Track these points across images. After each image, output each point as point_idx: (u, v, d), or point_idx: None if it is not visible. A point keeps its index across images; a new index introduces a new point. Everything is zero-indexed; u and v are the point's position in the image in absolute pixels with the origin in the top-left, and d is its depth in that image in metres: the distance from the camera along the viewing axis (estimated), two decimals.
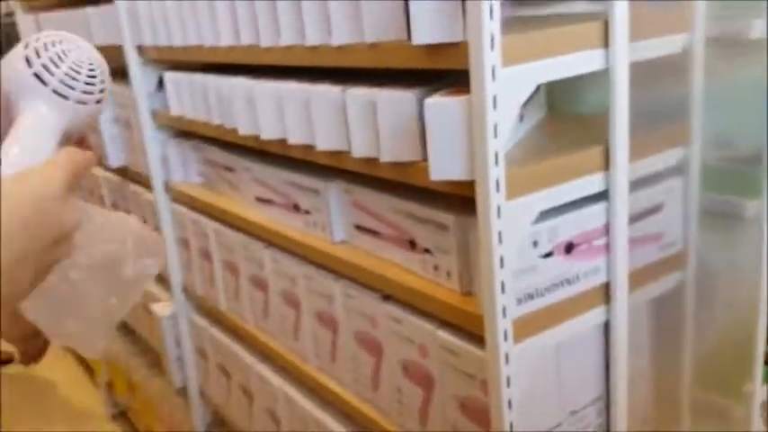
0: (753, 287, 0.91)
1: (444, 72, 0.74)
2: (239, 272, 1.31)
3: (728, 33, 0.84)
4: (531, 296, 0.75)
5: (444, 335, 0.82)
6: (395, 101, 0.77)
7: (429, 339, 0.85)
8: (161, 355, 1.74)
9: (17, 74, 0.49)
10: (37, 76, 0.49)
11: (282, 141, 1.02)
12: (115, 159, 1.65)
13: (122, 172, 1.70)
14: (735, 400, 0.99)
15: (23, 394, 2.51)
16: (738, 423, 0.98)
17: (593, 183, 0.77)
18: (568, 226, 0.76)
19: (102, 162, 1.75)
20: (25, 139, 0.49)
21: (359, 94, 0.83)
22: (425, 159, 0.78)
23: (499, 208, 0.68)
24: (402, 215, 0.88)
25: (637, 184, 0.80)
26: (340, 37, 0.83)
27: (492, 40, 0.63)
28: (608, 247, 0.80)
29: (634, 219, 0.81)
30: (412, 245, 0.88)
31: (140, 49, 1.41)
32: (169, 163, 1.48)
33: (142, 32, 1.34)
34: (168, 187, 1.50)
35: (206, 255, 1.42)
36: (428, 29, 0.68)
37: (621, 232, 0.79)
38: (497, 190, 0.67)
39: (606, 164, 0.77)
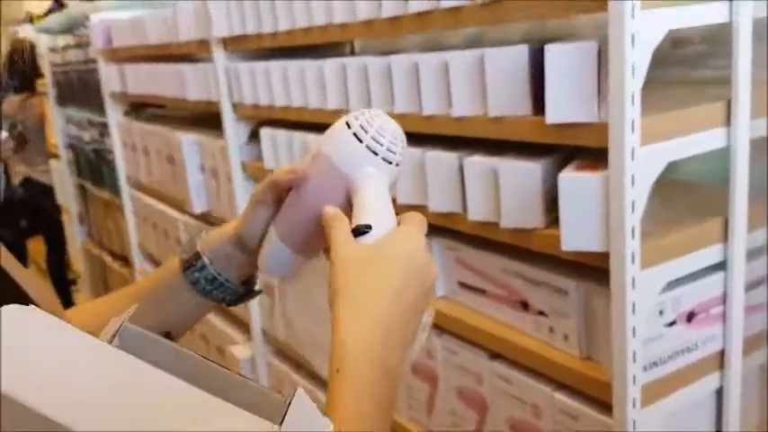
0: None
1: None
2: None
3: None
4: (655, 364, 0.77)
5: (562, 397, 0.85)
6: (519, 171, 0.82)
7: (544, 400, 0.87)
8: None
9: (350, 148, 0.56)
10: (368, 148, 0.55)
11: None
12: (198, 205, 1.72)
13: (203, 218, 1.77)
14: None
15: None
16: None
17: (713, 253, 0.80)
18: (690, 295, 0.79)
19: (183, 208, 1.82)
20: (374, 204, 0.55)
21: (479, 161, 0.87)
22: (548, 227, 0.82)
23: (633, 279, 0.71)
24: (514, 276, 0.91)
25: (750, 254, 0.83)
26: (460, 109, 0.88)
27: (632, 123, 0.67)
28: (725, 316, 0.82)
29: (748, 287, 0.83)
30: (524, 306, 0.91)
31: (235, 106, 1.48)
32: None
33: (242, 92, 1.41)
34: None
35: None
36: (564, 108, 0.73)
37: (738, 301, 0.81)
38: (632, 262, 0.70)
39: (725, 235, 0.80)
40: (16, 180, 3.54)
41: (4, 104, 3.62)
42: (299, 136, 1.29)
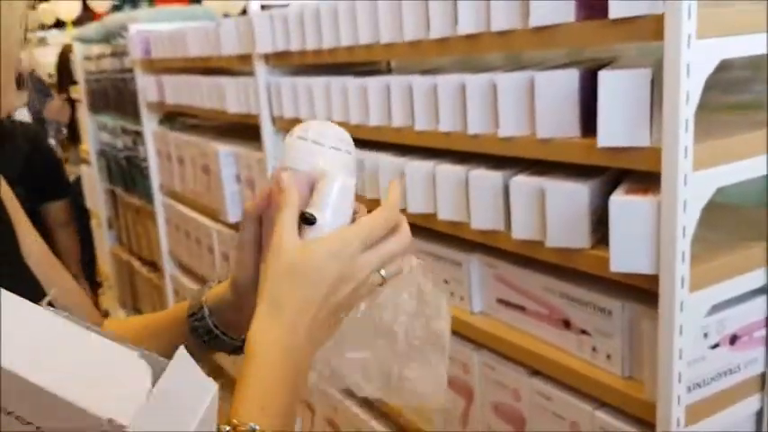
0: None
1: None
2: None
3: None
4: (698, 385, 0.79)
5: (604, 416, 0.86)
6: (567, 192, 0.84)
7: (585, 418, 0.89)
8: None
9: (299, 148, 0.61)
10: (315, 142, 0.61)
11: (430, 216, 1.09)
12: (233, 215, 1.75)
13: (237, 227, 1.80)
14: None
15: None
16: None
17: (756, 277, 0.81)
18: (734, 319, 0.80)
19: (217, 217, 1.85)
20: (326, 197, 0.58)
21: (526, 181, 0.89)
22: (593, 247, 0.84)
23: (682, 303, 0.72)
24: (556, 295, 0.93)
25: None
26: (508, 129, 0.90)
27: (686, 149, 0.69)
28: (767, 339, 0.83)
29: None
30: (566, 324, 0.92)
31: (274, 119, 1.51)
32: None
33: (282, 105, 1.44)
34: None
35: None
36: (616, 132, 0.75)
37: None
38: (682, 285, 0.72)
39: None
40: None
41: (46, 109, 3.69)
42: None
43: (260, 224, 0.63)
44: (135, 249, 2.74)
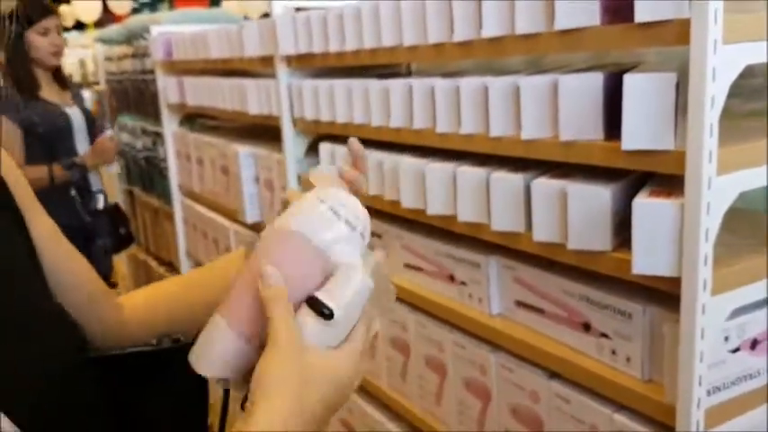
0: None
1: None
2: (377, 332, 1.38)
3: None
4: (718, 389, 0.79)
5: (623, 419, 0.86)
6: (590, 194, 0.84)
7: (603, 421, 0.89)
8: None
9: (328, 223, 0.53)
10: (348, 222, 0.53)
11: (449, 218, 1.09)
12: (251, 215, 1.77)
13: (254, 227, 1.82)
14: None
15: None
16: None
17: None
18: (755, 323, 0.80)
19: (235, 217, 1.87)
20: (347, 292, 0.52)
21: (548, 183, 0.90)
22: (615, 250, 0.84)
23: (704, 306, 0.73)
24: (576, 298, 0.93)
25: None
26: (530, 132, 0.91)
27: (710, 153, 0.70)
28: None
29: None
30: (585, 327, 0.93)
31: (295, 120, 1.53)
32: None
33: (303, 107, 1.46)
34: None
35: None
36: (641, 136, 0.75)
37: None
38: (704, 288, 0.72)
39: None
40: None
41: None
42: None
43: None
44: (152, 249, 2.77)
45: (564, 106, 0.85)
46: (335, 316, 0.50)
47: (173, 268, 2.53)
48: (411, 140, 1.17)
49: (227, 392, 0.56)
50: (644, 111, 0.74)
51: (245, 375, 0.51)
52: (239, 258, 0.69)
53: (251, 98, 1.65)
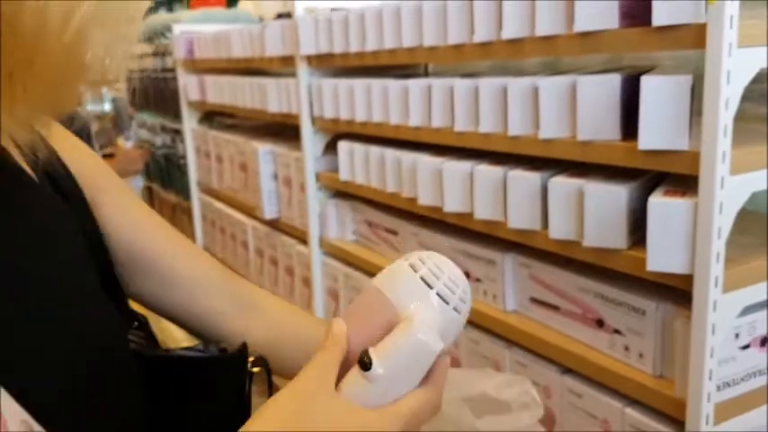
0: None
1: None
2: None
3: None
4: (728, 384, 0.81)
5: (634, 413, 0.88)
6: (606, 193, 0.86)
7: (615, 416, 0.91)
8: None
9: (404, 277, 0.50)
10: (423, 280, 0.50)
11: (466, 215, 1.12)
12: (269, 212, 1.80)
13: (272, 224, 1.85)
14: None
15: None
16: None
17: None
18: (764, 321, 0.82)
19: (253, 213, 1.90)
20: (403, 359, 0.48)
21: (565, 182, 0.92)
22: (630, 248, 0.86)
23: (715, 302, 0.75)
24: (591, 295, 0.96)
25: None
26: (548, 131, 0.93)
27: (724, 154, 0.72)
28: None
29: None
30: (599, 324, 0.95)
31: (314, 119, 1.56)
32: (326, 220, 1.61)
33: (322, 105, 1.49)
34: (322, 242, 1.63)
35: None
36: (657, 136, 0.77)
37: None
38: (716, 285, 0.74)
39: None
40: None
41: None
42: (375, 149, 1.36)
43: None
44: None
45: (582, 107, 0.87)
46: (373, 368, 0.47)
47: None
48: (429, 139, 1.19)
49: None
50: (660, 112, 0.77)
51: None
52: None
53: (271, 96, 1.68)
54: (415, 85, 1.19)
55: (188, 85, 2.29)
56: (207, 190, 2.31)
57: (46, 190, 0.55)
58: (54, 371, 0.47)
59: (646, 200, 0.80)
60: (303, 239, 1.69)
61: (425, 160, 1.20)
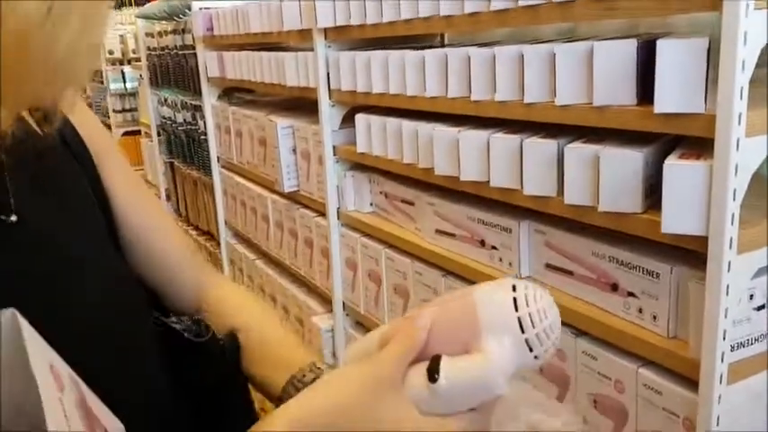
0: None
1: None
2: (409, 296, 1.43)
3: None
4: (742, 345, 0.82)
5: (647, 373, 0.90)
6: (622, 158, 0.87)
7: (629, 376, 0.92)
8: None
9: (503, 309, 0.50)
10: (519, 321, 0.49)
11: (482, 183, 1.13)
12: (288, 185, 1.83)
13: (291, 197, 1.87)
14: None
15: None
16: None
17: None
18: None
19: (272, 187, 1.93)
20: (474, 379, 0.49)
21: (582, 148, 0.93)
22: (645, 212, 0.87)
23: (730, 263, 0.76)
24: (605, 259, 0.97)
25: None
26: (565, 98, 0.94)
27: (740, 116, 0.72)
28: None
29: None
30: (614, 288, 0.96)
31: (331, 92, 1.57)
32: (344, 192, 1.63)
33: (339, 78, 1.50)
34: (340, 214, 1.65)
35: (373, 277, 1.55)
36: (673, 100, 0.78)
37: None
38: (730, 247, 0.75)
39: None
40: None
41: None
42: (392, 121, 1.37)
43: None
44: (192, 220, 2.86)
45: (598, 72, 0.88)
46: (438, 383, 0.48)
47: (212, 238, 2.62)
48: (446, 109, 1.20)
49: None
50: (676, 75, 0.77)
51: None
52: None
53: (289, 70, 1.70)
54: (432, 55, 1.20)
55: (207, 62, 2.31)
56: (227, 165, 2.34)
57: (65, 151, 0.58)
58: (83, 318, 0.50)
59: (661, 164, 0.80)
60: (321, 212, 1.71)
61: (442, 130, 1.21)
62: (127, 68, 4.38)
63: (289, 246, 1.95)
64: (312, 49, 1.58)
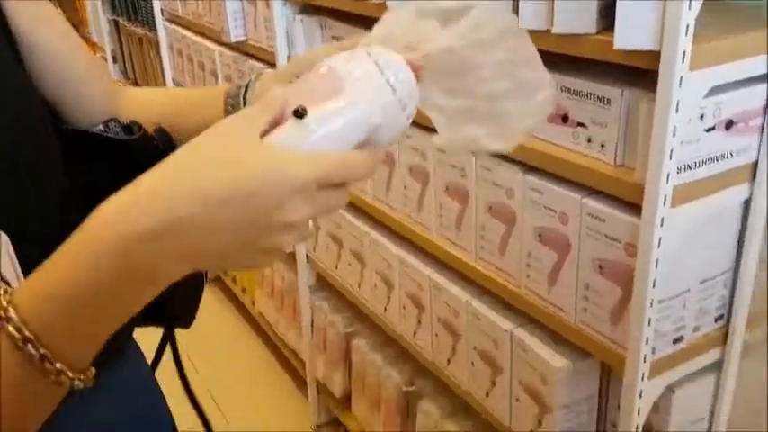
0: None
1: None
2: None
3: None
4: (689, 167, 0.80)
5: (592, 203, 0.89)
6: None
7: (572, 207, 0.92)
8: None
9: (368, 75, 0.47)
10: (377, 64, 0.47)
11: None
12: (235, 34, 1.72)
13: (239, 48, 1.77)
14: None
15: None
16: None
17: (757, 63, 0.80)
18: (732, 103, 0.80)
19: (219, 39, 1.81)
20: (340, 115, 0.45)
21: None
22: (599, 33, 0.82)
23: (681, 78, 0.72)
24: (557, 90, 0.92)
25: None
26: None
27: None
28: (762, 128, 0.84)
29: None
30: (564, 119, 0.93)
31: None
32: (293, 39, 1.53)
33: None
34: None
35: None
36: None
37: None
38: (683, 61, 0.71)
39: None
40: None
41: None
42: None
43: None
44: (140, 81, 2.72)
45: None
46: (308, 118, 0.43)
47: None
48: None
49: None
50: None
51: None
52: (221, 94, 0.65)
53: None
54: None
55: None
56: (172, 17, 2.19)
57: None
58: None
59: None
60: (271, 62, 1.62)
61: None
62: None
63: None
64: None
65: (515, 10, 0.91)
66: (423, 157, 1.22)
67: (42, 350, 0.38)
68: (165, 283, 0.41)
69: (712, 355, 0.95)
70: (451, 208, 1.18)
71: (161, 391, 0.74)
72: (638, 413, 0.88)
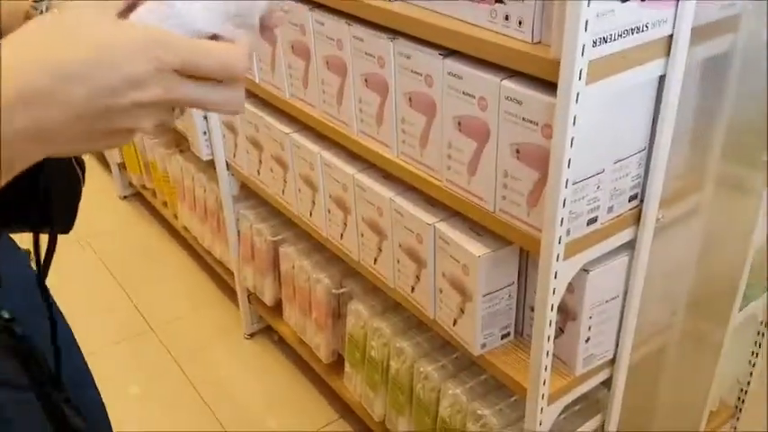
0: None
1: None
2: (276, 40, 1.31)
3: None
4: (605, 40, 0.77)
5: (509, 84, 0.86)
6: None
7: (491, 92, 0.88)
8: (186, 130, 1.78)
9: None
10: None
11: None
12: None
13: None
14: (754, 169, 1.07)
15: None
16: (756, 191, 1.07)
17: None
18: None
19: None
20: None
21: None
22: None
23: None
24: None
25: None
26: None
27: None
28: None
29: None
30: None
31: None
32: None
33: None
34: None
35: None
36: None
37: None
38: None
39: None
40: None
41: None
42: None
43: None
44: None
45: None
46: None
47: None
48: None
49: None
50: None
51: None
52: None
53: None
54: None
55: None
56: None
57: None
58: None
59: None
60: None
61: None
62: None
63: None
64: None
65: None
66: (339, 46, 1.15)
67: None
68: (18, 165, 0.38)
69: (626, 235, 0.96)
70: (371, 102, 1.13)
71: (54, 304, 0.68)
72: (554, 293, 0.89)
